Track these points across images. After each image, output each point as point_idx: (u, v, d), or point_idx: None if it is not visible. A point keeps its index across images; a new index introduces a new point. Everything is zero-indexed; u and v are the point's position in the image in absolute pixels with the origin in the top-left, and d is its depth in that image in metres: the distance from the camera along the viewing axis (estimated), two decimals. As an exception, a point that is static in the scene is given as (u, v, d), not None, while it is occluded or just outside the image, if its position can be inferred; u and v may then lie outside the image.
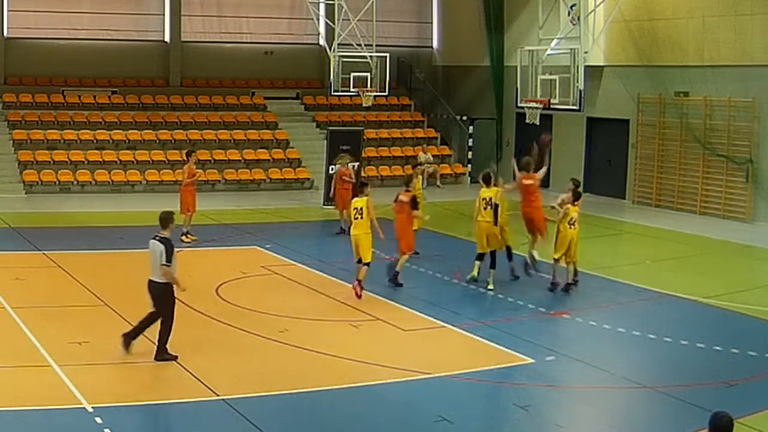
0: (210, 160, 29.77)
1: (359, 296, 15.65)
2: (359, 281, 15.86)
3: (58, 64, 30.97)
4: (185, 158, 21.66)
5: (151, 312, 12.21)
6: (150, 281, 12.15)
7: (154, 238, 12.17)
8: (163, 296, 12.08)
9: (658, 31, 26.47)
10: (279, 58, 34.09)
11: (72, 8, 31.32)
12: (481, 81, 33.61)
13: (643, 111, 27.55)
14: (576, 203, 16.50)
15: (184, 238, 19.87)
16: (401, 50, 34.53)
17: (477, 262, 17.06)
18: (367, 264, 15.94)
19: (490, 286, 16.64)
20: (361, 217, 16.00)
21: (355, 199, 16.50)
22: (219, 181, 29.31)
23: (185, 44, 32.91)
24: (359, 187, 17.27)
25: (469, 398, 11.39)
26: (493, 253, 16.78)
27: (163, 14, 32.62)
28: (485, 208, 16.56)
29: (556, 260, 16.44)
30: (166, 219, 12.36)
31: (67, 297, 15.35)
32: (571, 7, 25.89)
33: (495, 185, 16.83)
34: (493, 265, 16.76)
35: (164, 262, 11.90)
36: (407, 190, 17.08)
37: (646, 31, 26.67)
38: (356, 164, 26.40)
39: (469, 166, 32.88)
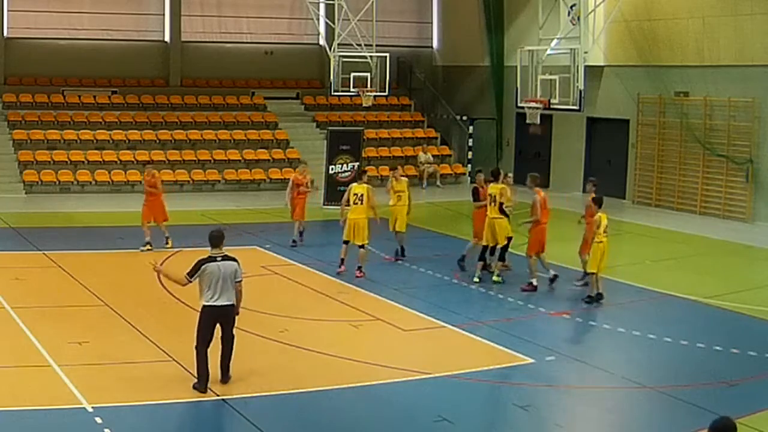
0: (210, 160, 29.78)
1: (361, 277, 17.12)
2: (359, 267, 17.21)
3: (58, 64, 30.95)
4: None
5: (224, 341, 11.18)
6: (224, 306, 10.99)
7: (214, 260, 10.96)
8: (234, 317, 11.25)
9: (658, 31, 26.46)
10: (279, 58, 34.08)
11: (72, 8, 31.31)
12: (481, 81, 33.62)
13: (643, 111, 27.54)
14: (600, 210, 15.81)
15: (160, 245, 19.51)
16: (401, 50, 34.51)
17: (479, 263, 17.19)
18: (363, 246, 17.21)
19: (496, 278, 17.08)
20: (361, 203, 17.18)
21: (354, 185, 17.60)
22: (219, 181, 29.31)
23: (185, 44, 32.90)
24: (358, 174, 18.47)
25: (469, 398, 11.39)
26: (494, 247, 17.16)
27: (163, 14, 32.61)
28: (491, 204, 16.92)
29: (594, 273, 15.69)
30: (220, 237, 11.19)
31: (67, 297, 15.35)
32: (571, 7, 25.89)
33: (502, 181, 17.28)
34: (501, 258, 17.21)
35: (240, 279, 11.15)
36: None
37: (646, 31, 26.66)
38: (356, 164, 26.46)
39: (469, 166, 32.87)
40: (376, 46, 29.94)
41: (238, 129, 31.39)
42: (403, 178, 19.68)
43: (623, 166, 28.33)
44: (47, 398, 10.57)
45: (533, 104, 25.63)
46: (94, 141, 29.32)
